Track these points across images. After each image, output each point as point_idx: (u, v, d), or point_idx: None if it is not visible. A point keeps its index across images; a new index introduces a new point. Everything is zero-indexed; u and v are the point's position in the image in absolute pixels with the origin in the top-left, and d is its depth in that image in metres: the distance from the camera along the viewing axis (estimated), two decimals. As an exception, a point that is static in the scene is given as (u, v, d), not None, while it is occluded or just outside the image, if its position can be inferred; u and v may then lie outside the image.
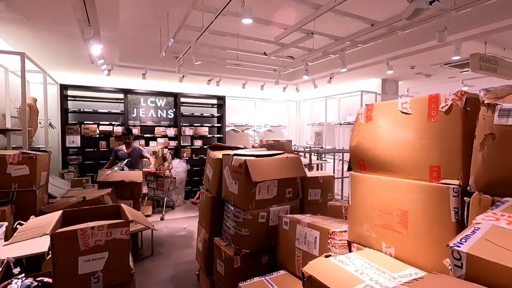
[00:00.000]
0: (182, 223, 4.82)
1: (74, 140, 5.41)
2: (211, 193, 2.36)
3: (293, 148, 5.07)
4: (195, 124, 6.53)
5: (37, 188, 2.82)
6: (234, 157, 2.04)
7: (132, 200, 3.67)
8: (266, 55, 4.16)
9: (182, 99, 6.38)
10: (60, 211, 1.83)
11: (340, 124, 6.73)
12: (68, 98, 5.62)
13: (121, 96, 5.83)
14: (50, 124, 5.01)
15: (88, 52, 4.15)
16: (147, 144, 6.02)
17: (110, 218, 1.79)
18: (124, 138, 4.45)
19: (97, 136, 5.54)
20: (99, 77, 5.84)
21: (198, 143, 6.56)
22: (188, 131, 6.37)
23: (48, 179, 3.20)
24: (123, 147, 4.53)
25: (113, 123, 5.68)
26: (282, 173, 2.01)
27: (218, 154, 2.32)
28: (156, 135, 6.07)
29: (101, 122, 5.59)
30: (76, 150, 5.60)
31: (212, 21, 2.94)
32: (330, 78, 5.49)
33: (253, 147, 6.32)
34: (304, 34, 3.21)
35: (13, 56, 3.66)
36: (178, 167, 5.89)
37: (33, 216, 1.95)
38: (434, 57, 4.38)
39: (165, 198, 5.22)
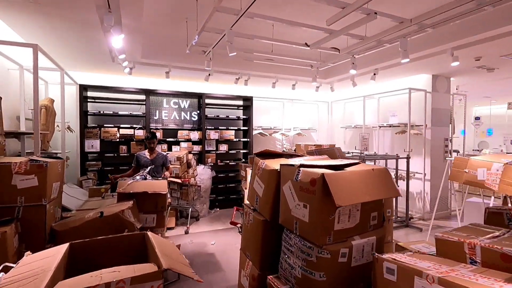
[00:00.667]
0: (208, 237, 4.29)
1: (94, 145, 5.03)
2: (262, 216, 1.79)
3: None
4: (220, 127, 6.03)
5: (47, 202, 2.36)
6: (302, 169, 1.46)
7: (156, 214, 3.18)
8: (308, 46, 3.58)
9: (207, 100, 5.91)
10: (66, 246, 1.32)
11: (380, 127, 6.02)
12: (88, 100, 5.27)
13: (142, 97, 5.43)
14: (68, 127, 4.65)
15: (109, 47, 3.74)
16: (169, 149, 5.57)
17: (133, 253, 1.26)
18: (148, 142, 4.01)
19: (117, 140, 5.14)
20: (120, 77, 5.48)
21: (223, 147, 6.05)
22: (213, 135, 5.88)
23: (61, 190, 2.76)
24: (146, 152, 4.09)
25: (134, 126, 5.28)
26: (373, 192, 1.41)
27: (273, 164, 1.75)
28: (179, 139, 5.62)
29: (121, 125, 5.20)
30: (95, 155, 5.23)
31: (254, 1, 2.41)
32: (374, 74, 4.83)
33: (284, 151, 5.73)
34: (365, 14, 2.61)
35: (29, 52, 3.29)
36: (203, 174, 5.40)
37: (29, 252, 1.46)
38: (509, 45, 3.65)
39: (190, 209, 4.72)
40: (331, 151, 2.98)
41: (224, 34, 3.00)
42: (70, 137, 5.06)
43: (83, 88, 4.90)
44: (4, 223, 2.14)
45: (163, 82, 5.81)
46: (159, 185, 3.18)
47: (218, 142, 6.06)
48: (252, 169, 2.01)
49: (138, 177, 3.20)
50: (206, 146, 5.84)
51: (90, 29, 3.25)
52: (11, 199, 2.27)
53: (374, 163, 4.53)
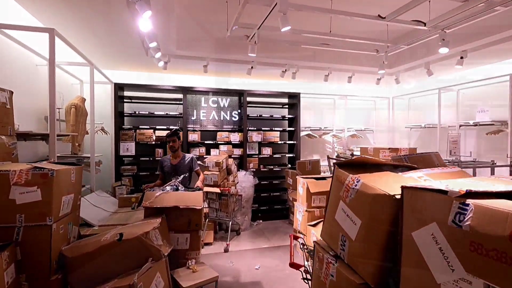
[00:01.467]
0: (251, 258, 3.59)
1: (129, 148, 4.67)
2: (356, 274, 1.02)
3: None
4: (263, 128, 5.35)
5: (53, 221, 1.85)
6: (475, 204, 0.66)
7: (189, 233, 2.57)
8: (383, 17, 2.72)
9: (249, 98, 5.27)
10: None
11: (461, 126, 4.82)
12: (125, 100, 4.96)
13: (179, 96, 4.97)
14: (102, 129, 4.33)
15: (140, 36, 3.27)
16: (208, 153, 5.03)
17: None
18: (168, 141, 3.48)
19: (153, 142, 4.73)
20: (156, 75, 5.09)
21: (266, 151, 5.35)
22: (256, 137, 5.21)
23: (77, 203, 2.27)
24: (170, 156, 3.56)
25: (171, 127, 4.82)
26: None
27: (378, 183, 0.97)
28: (218, 142, 5.05)
29: (157, 127, 4.78)
30: (130, 159, 4.88)
31: None
32: (461, 58, 3.76)
33: (338, 156, 4.85)
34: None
35: (58, 46, 2.93)
36: (244, 181, 4.74)
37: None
38: None
39: (230, 222, 4.08)
40: (428, 158, 2.09)
41: (275, 4, 2.29)
42: (104, 139, 4.76)
43: (119, 87, 4.57)
44: (5, 246, 1.66)
45: (201, 79, 5.32)
46: (193, 198, 2.57)
47: (261, 145, 5.38)
48: (331, 188, 1.24)
49: (168, 188, 2.62)
50: (247, 150, 5.19)
51: (116, 13, 2.78)
52: (9, 217, 1.79)
53: (475, 173, 3.43)
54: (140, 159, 4.74)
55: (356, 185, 1.03)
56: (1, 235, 1.77)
